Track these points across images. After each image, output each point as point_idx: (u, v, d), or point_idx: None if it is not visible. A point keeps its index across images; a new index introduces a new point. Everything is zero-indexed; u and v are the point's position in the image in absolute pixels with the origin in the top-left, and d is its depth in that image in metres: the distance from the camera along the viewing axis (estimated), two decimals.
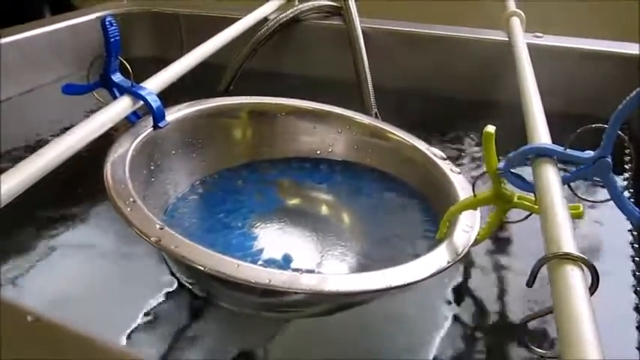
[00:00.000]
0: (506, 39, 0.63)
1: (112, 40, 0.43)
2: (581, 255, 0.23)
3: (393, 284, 0.30)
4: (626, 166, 0.46)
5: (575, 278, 0.22)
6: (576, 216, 0.32)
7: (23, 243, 0.42)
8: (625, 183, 0.44)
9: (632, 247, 0.41)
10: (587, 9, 1.02)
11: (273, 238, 0.41)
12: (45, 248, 0.42)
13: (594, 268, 0.23)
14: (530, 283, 0.25)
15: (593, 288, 0.23)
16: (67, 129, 0.37)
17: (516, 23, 0.64)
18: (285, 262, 0.38)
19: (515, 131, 0.39)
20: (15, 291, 0.38)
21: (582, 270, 0.23)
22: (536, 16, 0.67)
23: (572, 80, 0.62)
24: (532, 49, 0.55)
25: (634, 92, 0.28)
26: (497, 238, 0.43)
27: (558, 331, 0.21)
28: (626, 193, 0.45)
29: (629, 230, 0.43)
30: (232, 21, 0.63)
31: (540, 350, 0.26)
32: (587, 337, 0.20)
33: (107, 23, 0.42)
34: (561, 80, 0.61)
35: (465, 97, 0.66)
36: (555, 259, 0.23)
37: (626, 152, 0.31)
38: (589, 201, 0.34)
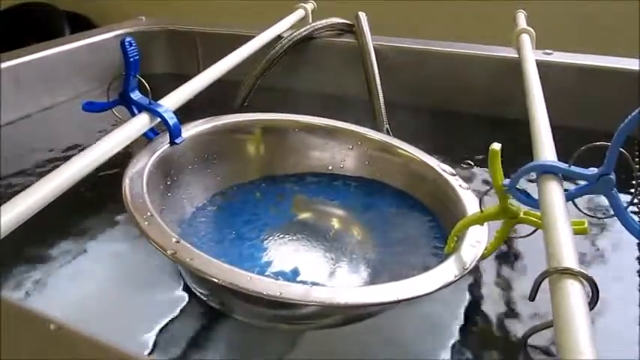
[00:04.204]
0: (516, 56, 0.63)
1: (132, 59, 0.44)
2: (582, 270, 0.24)
3: (402, 297, 0.31)
4: (632, 182, 0.47)
5: (575, 292, 0.23)
6: (581, 231, 0.32)
7: (43, 254, 0.43)
8: (630, 198, 0.44)
9: (639, 261, 0.42)
10: (598, 26, 1.03)
11: (286, 251, 0.42)
12: (64, 259, 0.43)
13: (594, 282, 0.24)
14: (532, 296, 0.25)
15: (592, 302, 0.24)
16: (84, 146, 0.38)
17: (526, 40, 0.65)
18: (295, 275, 0.39)
19: (523, 147, 0.40)
20: (35, 300, 0.39)
21: (582, 284, 0.24)
22: (547, 33, 0.68)
23: (583, 96, 0.63)
24: (542, 65, 0.56)
25: (636, 110, 0.29)
26: (504, 253, 0.43)
27: (558, 345, 0.21)
28: (634, 209, 0.46)
29: (638, 244, 0.43)
30: (247, 39, 0.65)
31: None
32: (584, 350, 0.20)
33: (127, 44, 0.43)
34: (571, 96, 0.62)
35: (476, 114, 0.67)
36: (556, 273, 0.24)
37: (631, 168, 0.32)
38: (594, 217, 0.35)
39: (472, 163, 0.57)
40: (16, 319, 0.25)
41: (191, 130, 0.46)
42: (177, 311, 0.38)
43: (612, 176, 0.31)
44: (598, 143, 0.31)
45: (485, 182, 0.54)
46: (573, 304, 0.22)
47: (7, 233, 0.29)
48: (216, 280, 0.30)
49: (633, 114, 0.29)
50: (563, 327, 0.21)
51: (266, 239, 0.43)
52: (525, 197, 0.33)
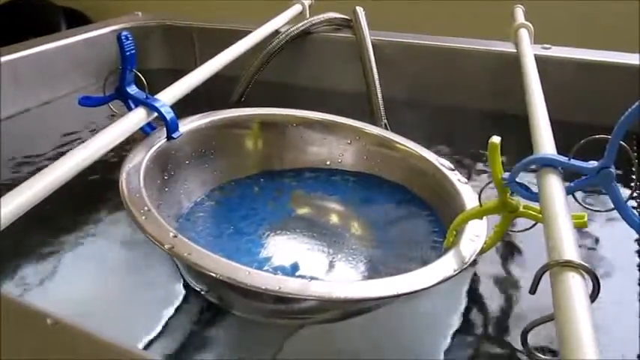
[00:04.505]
0: (515, 50, 0.63)
1: (128, 53, 0.44)
2: (583, 262, 0.24)
3: (401, 291, 0.31)
4: (632, 176, 0.47)
5: (576, 285, 0.23)
6: (581, 225, 0.32)
7: (39, 249, 0.43)
8: (629, 192, 0.45)
9: (639, 255, 0.42)
10: (596, 21, 1.03)
11: (284, 246, 0.42)
12: (60, 254, 0.43)
13: (595, 275, 0.24)
14: (532, 290, 0.25)
15: (594, 295, 0.24)
16: (82, 140, 0.38)
17: (524, 35, 0.65)
18: (294, 270, 0.39)
19: (522, 141, 0.40)
20: (31, 295, 0.39)
21: (583, 277, 0.23)
22: (545, 28, 0.68)
23: (581, 91, 0.63)
24: (540, 60, 0.56)
25: (636, 103, 0.29)
26: (504, 247, 0.43)
27: (559, 337, 0.21)
28: (633, 203, 0.46)
29: (636, 240, 0.43)
30: (244, 34, 0.64)
31: (544, 357, 0.27)
32: (586, 342, 0.20)
33: (123, 38, 0.43)
34: (569, 91, 0.62)
35: (473, 108, 0.67)
36: (557, 266, 0.24)
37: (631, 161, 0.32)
38: (593, 210, 0.35)
39: (470, 158, 0.57)
40: (13, 314, 0.24)
41: (188, 124, 0.46)
42: (175, 306, 0.38)
43: (612, 169, 0.31)
44: (598, 136, 0.31)
45: (484, 175, 0.54)
46: (575, 296, 0.22)
47: (5, 225, 0.29)
48: (214, 275, 0.30)
49: (633, 107, 0.29)
50: (564, 320, 0.21)
51: (264, 234, 0.43)
52: (525, 191, 0.33)
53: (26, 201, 0.31)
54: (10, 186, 0.31)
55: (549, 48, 0.65)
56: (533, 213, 0.34)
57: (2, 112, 0.63)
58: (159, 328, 0.36)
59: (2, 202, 0.30)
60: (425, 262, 0.35)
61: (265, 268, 0.39)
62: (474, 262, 0.35)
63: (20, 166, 0.55)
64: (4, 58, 0.63)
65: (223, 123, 0.48)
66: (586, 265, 0.24)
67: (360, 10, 0.71)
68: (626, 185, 0.46)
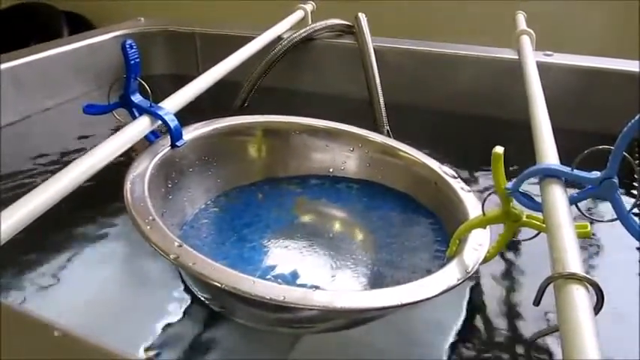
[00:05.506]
0: (516, 57, 0.63)
1: (133, 62, 0.44)
2: (587, 275, 0.24)
3: (404, 301, 0.31)
4: (634, 184, 0.47)
5: (580, 297, 0.23)
6: (584, 235, 0.32)
7: (42, 257, 0.43)
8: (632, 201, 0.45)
9: None
10: (598, 27, 1.03)
11: (287, 254, 0.42)
12: (64, 262, 0.43)
13: (599, 287, 0.24)
14: (536, 301, 0.25)
15: (598, 307, 0.24)
16: (85, 148, 0.38)
17: (526, 42, 0.65)
18: (295, 278, 0.39)
19: (524, 149, 0.40)
20: (34, 304, 0.39)
21: (587, 289, 0.24)
22: (547, 34, 0.68)
23: (583, 98, 0.63)
24: (542, 67, 0.56)
25: (638, 115, 0.29)
26: (506, 256, 0.43)
27: (563, 349, 0.21)
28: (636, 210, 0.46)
29: (638, 248, 0.43)
30: (247, 40, 0.65)
31: None
32: (590, 355, 0.20)
33: (127, 46, 0.43)
34: (571, 98, 0.62)
35: (476, 115, 0.67)
36: (561, 278, 0.24)
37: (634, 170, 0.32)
38: (596, 220, 0.35)
39: (473, 165, 0.57)
40: (19, 326, 0.24)
41: (192, 132, 0.46)
42: (179, 314, 0.38)
43: (615, 180, 0.31)
44: (601, 147, 0.31)
45: (486, 183, 0.54)
46: (579, 309, 0.22)
47: (7, 239, 0.29)
48: (219, 285, 0.30)
49: (637, 118, 0.29)
50: (569, 333, 0.21)
51: (267, 241, 0.43)
52: (528, 201, 0.33)
53: (29, 214, 0.31)
54: (11, 195, 0.31)
55: (551, 55, 0.65)
56: (537, 222, 0.34)
57: (3, 119, 0.63)
58: (162, 337, 0.36)
59: (2, 216, 0.29)
60: (428, 271, 0.35)
61: (268, 276, 0.39)
62: (477, 271, 0.35)
63: (22, 175, 0.55)
64: (6, 65, 0.63)
65: (227, 130, 0.48)
66: (590, 277, 0.24)
67: (362, 16, 0.71)
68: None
